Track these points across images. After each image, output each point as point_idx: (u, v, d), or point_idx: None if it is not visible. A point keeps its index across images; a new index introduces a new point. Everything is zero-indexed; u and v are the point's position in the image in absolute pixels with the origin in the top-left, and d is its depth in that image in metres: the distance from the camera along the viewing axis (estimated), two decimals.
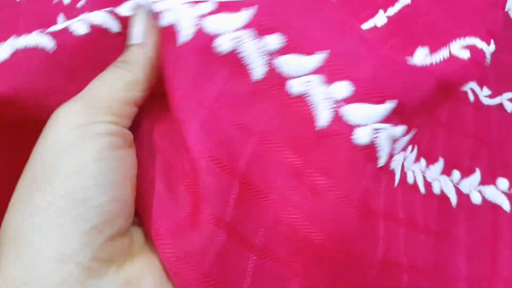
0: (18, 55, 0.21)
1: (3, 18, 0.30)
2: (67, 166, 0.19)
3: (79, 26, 0.22)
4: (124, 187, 0.20)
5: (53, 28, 0.22)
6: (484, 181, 0.27)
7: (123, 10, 0.22)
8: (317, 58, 0.19)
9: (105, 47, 0.22)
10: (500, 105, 0.28)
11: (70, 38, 0.21)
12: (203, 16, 0.20)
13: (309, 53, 0.19)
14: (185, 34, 0.20)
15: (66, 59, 0.21)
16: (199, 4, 0.21)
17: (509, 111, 0.28)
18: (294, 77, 0.20)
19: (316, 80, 0.19)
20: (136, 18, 0.23)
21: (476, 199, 0.27)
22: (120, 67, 0.22)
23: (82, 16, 0.22)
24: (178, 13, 0.21)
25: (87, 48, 0.22)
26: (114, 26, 0.22)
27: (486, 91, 0.29)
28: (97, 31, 0.22)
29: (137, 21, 0.23)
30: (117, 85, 0.21)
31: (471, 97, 0.28)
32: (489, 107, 0.28)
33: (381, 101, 0.19)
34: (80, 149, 0.19)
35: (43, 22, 0.29)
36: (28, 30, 0.29)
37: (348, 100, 0.19)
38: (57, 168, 0.19)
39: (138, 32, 0.23)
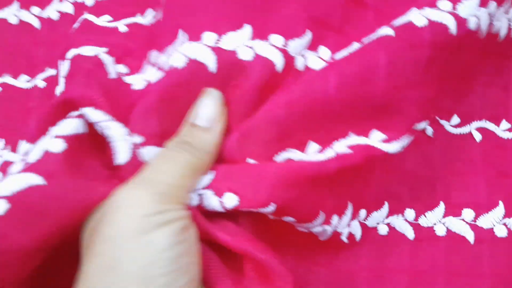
0: (17, 203, 0.21)
1: (23, 47, 0.32)
2: (143, 254, 0.19)
3: (56, 144, 0.22)
4: (196, 264, 0.21)
5: (34, 157, 0.22)
6: (448, 213, 0.28)
7: (87, 110, 0.23)
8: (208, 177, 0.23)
9: (86, 151, 0.23)
10: (468, 135, 0.29)
11: (53, 160, 0.22)
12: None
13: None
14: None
15: (58, 183, 0.21)
16: None
17: (475, 140, 0.29)
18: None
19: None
20: (205, 98, 0.23)
21: (439, 231, 0.28)
22: (187, 151, 0.21)
23: (52, 132, 0.23)
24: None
25: (73, 159, 0.22)
26: (84, 127, 0.23)
27: (455, 119, 0.29)
28: (73, 141, 0.22)
29: (207, 102, 0.23)
30: (185, 171, 0.21)
31: (429, 131, 0.29)
32: (456, 136, 0.29)
33: (264, 204, 0.22)
34: (154, 236, 0.19)
35: (60, 54, 0.31)
36: (46, 63, 0.32)
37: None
38: (132, 257, 0.19)
39: (207, 115, 0.22)
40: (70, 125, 0.22)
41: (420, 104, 0.24)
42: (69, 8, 0.32)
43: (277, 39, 0.25)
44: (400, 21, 0.24)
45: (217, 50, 0.24)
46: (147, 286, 0.18)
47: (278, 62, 0.24)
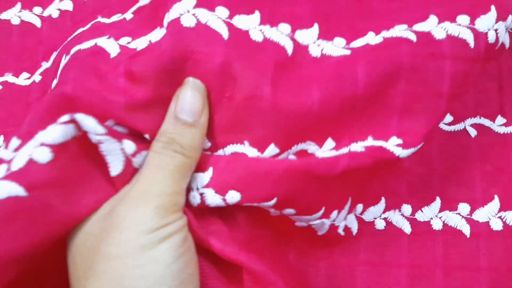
0: None
1: (25, 47, 0.32)
2: (149, 271, 0.19)
3: (42, 153, 0.21)
4: (197, 274, 0.21)
5: (18, 164, 0.21)
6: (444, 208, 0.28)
7: (80, 116, 0.21)
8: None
9: (74, 159, 0.22)
10: (464, 130, 0.29)
11: (37, 171, 0.21)
12: None
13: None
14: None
15: (40, 195, 0.21)
16: None
17: (470, 136, 0.29)
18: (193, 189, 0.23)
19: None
20: (188, 89, 0.21)
21: (436, 225, 0.28)
22: (177, 152, 0.21)
23: (38, 138, 0.21)
24: None
25: (58, 170, 0.21)
26: (73, 132, 0.21)
27: (448, 118, 0.29)
28: (60, 151, 0.21)
29: (190, 94, 0.21)
30: (179, 175, 0.21)
31: None
32: (451, 133, 0.29)
33: (267, 200, 0.22)
34: (158, 252, 0.19)
35: (59, 49, 0.32)
36: (43, 59, 0.32)
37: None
38: (138, 275, 0.19)
39: (192, 108, 0.21)
40: (59, 132, 0.21)
41: (439, 112, 0.25)
42: (68, 5, 0.33)
43: (285, 27, 0.25)
44: (419, 27, 0.25)
45: (229, 25, 0.23)
46: None
47: (288, 47, 0.24)
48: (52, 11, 0.33)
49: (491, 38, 0.24)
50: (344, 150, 0.24)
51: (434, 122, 0.25)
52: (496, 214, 0.27)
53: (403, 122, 0.24)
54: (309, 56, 0.25)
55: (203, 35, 0.22)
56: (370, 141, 0.24)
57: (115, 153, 0.22)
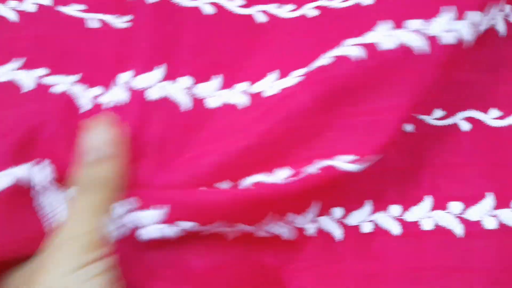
0: None
1: (1, 42, 0.32)
2: None
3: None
4: None
5: None
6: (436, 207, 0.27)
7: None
8: None
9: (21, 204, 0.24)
10: (454, 125, 0.28)
11: None
12: None
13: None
14: None
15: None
16: None
17: (462, 130, 0.28)
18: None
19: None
20: (91, 132, 0.22)
21: (427, 225, 0.26)
22: (89, 191, 0.22)
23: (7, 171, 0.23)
24: None
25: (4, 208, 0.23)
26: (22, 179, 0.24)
27: (438, 113, 0.28)
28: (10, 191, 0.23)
29: (93, 135, 0.22)
30: (96, 211, 0.21)
31: (408, 128, 0.28)
32: (440, 128, 0.28)
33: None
34: None
35: (42, 48, 0.31)
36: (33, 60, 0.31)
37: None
38: None
39: (95, 147, 0.22)
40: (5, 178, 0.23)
41: (395, 125, 0.24)
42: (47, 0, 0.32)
43: (243, 86, 0.27)
44: (367, 39, 0.24)
45: (191, 94, 0.25)
46: None
47: (240, 103, 0.26)
48: (28, 5, 0.32)
49: (449, 39, 0.24)
50: (300, 175, 0.24)
51: (391, 135, 0.24)
52: (491, 213, 0.26)
53: (357, 139, 0.24)
54: (260, 99, 0.26)
55: (164, 109, 0.25)
56: (324, 162, 0.24)
57: (56, 204, 0.24)
